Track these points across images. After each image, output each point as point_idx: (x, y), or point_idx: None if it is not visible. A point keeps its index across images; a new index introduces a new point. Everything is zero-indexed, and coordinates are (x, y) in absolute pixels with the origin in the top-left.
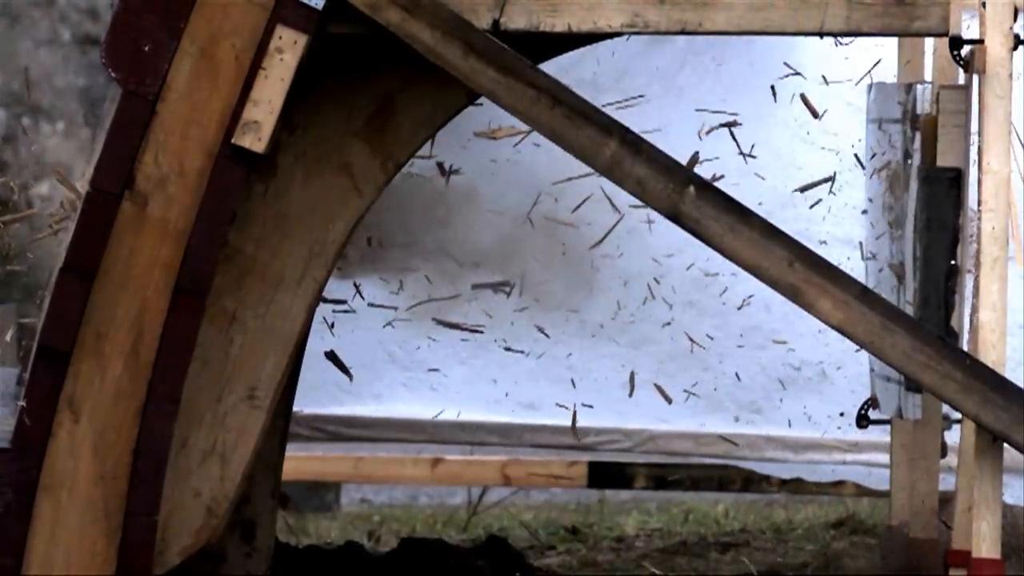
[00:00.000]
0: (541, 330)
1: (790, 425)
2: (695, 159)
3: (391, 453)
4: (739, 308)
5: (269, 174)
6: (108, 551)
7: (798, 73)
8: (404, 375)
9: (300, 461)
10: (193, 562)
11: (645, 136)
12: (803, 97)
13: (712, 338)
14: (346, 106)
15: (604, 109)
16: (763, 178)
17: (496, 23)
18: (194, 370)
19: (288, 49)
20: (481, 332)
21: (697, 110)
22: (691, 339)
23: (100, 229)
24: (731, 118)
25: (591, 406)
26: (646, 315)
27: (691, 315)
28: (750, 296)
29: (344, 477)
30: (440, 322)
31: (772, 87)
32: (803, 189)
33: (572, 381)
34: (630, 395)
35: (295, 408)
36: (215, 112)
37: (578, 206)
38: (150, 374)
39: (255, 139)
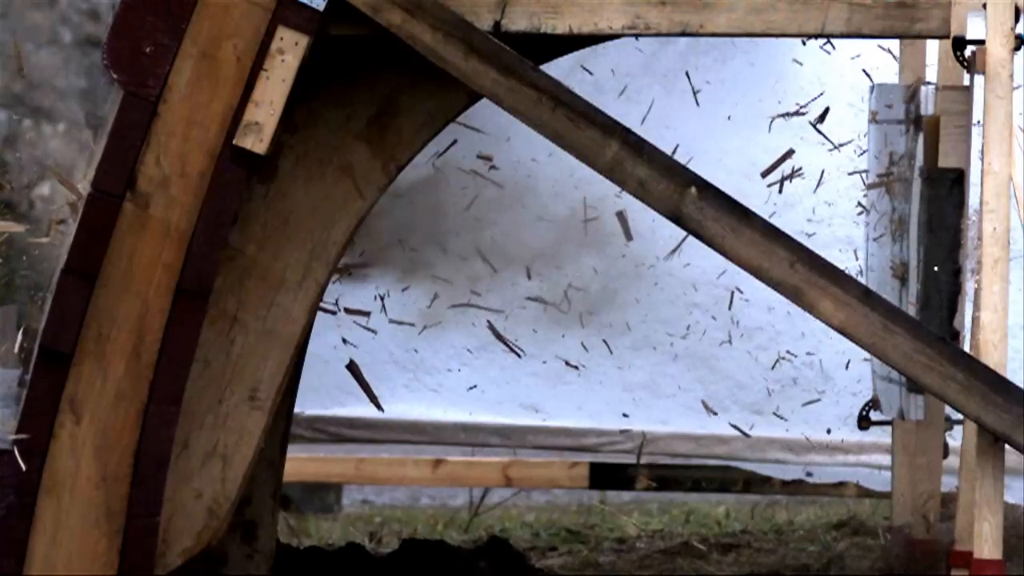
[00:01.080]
0: (607, 344)
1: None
2: (788, 155)
3: (392, 454)
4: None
5: (270, 175)
6: (109, 552)
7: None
8: (404, 376)
9: (301, 462)
10: (195, 563)
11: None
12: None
13: (795, 355)
14: (347, 107)
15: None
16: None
17: (497, 24)
18: (195, 371)
19: (289, 50)
20: (520, 355)
21: (780, 116)
22: (782, 356)
23: (102, 230)
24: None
25: (650, 430)
26: (719, 329)
27: (765, 333)
28: None
29: (345, 478)
30: (492, 330)
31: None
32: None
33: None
34: (715, 414)
35: (296, 409)
36: (216, 113)
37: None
38: (151, 375)
39: (256, 140)
